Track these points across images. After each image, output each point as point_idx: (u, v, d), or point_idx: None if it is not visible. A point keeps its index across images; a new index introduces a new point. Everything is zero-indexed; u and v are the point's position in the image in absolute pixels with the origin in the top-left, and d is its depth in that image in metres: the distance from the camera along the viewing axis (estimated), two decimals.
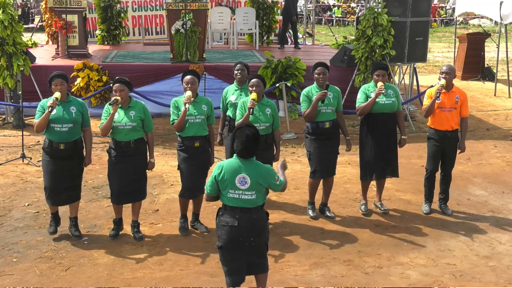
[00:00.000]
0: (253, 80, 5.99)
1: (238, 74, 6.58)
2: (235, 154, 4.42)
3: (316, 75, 6.37)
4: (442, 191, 6.84)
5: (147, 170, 6.05)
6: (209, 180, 4.44)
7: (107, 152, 5.95)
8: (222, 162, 4.44)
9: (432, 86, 6.79)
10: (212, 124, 6.17)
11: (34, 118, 5.81)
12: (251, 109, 5.80)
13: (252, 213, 4.39)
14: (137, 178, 5.93)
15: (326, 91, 6.20)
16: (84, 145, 5.97)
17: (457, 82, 14.74)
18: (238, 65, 6.66)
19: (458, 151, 6.73)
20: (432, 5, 18.62)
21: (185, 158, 6.00)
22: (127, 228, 6.18)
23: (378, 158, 6.56)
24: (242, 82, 6.59)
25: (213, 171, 4.41)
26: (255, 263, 4.52)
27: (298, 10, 18.26)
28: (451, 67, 6.59)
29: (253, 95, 5.87)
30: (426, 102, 6.59)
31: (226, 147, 6.65)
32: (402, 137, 6.68)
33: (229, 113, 6.58)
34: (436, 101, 6.44)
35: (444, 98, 6.48)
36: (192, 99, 5.87)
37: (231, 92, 6.62)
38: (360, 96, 6.54)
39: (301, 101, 6.43)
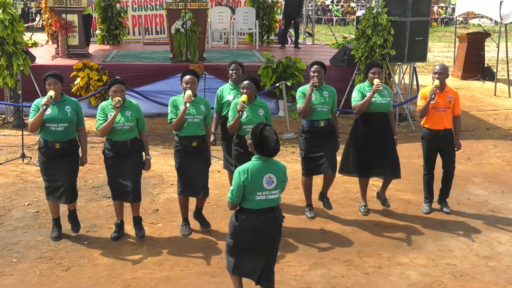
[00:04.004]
0: (245, 82, 5.95)
1: (234, 73, 6.57)
2: (254, 156, 4.41)
3: (311, 73, 6.37)
4: (443, 188, 6.85)
5: (146, 170, 6.06)
6: (234, 188, 4.38)
7: (103, 153, 5.95)
8: (243, 167, 4.40)
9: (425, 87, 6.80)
10: (209, 125, 6.18)
11: (29, 117, 5.81)
12: (241, 112, 5.80)
13: (275, 212, 4.45)
14: (134, 176, 5.91)
15: (316, 80, 6.23)
16: (79, 144, 5.97)
17: (457, 81, 14.83)
18: (232, 64, 6.66)
19: (455, 148, 6.74)
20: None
21: (183, 158, 6.00)
22: (127, 228, 6.18)
23: (379, 158, 6.54)
24: (237, 82, 6.59)
25: (236, 178, 4.37)
26: (266, 273, 4.51)
27: None
28: (444, 67, 6.60)
29: (243, 97, 5.84)
30: (420, 103, 6.61)
31: (224, 147, 6.63)
32: (394, 137, 6.69)
33: (226, 113, 6.57)
34: (431, 101, 6.46)
35: (438, 98, 6.49)
36: (192, 98, 5.87)
37: (226, 91, 6.59)
38: (356, 95, 6.53)
39: (297, 98, 6.45)
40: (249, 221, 4.39)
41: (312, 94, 6.29)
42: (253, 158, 4.42)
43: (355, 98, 6.52)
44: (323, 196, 6.76)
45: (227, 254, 4.60)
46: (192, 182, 6.01)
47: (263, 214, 4.38)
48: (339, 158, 6.66)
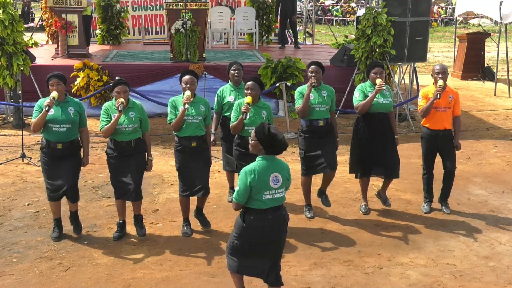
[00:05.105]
0: (249, 83, 5.94)
1: (236, 74, 6.58)
2: (259, 156, 4.40)
3: (309, 73, 6.37)
4: (444, 187, 6.86)
5: (148, 171, 6.06)
6: (240, 189, 4.35)
7: (106, 153, 5.95)
8: (249, 167, 4.38)
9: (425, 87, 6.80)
10: (209, 124, 6.18)
11: (32, 117, 5.81)
12: (245, 113, 5.79)
13: (281, 210, 4.48)
14: (137, 176, 5.91)
15: (314, 80, 6.24)
16: (81, 145, 5.97)
17: (457, 81, 14.83)
18: (234, 65, 6.66)
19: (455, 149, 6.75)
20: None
21: (183, 158, 6.00)
22: (127, 228, 6.16)
23: (380, 158, 6.55)
24: (238, 83, 6.60)
25: (242, 178, 4.35)
26: (274, 272, 4.53)
27: (298, 10, 18.19)
28: (445, 66, 6.64)
29: (248, 99, 5.84)
30: (421, 103, 6.61)
31: (223, 148, 6.63)
32: (395, 136, 6.70)
33: (227, 113, 6.56)
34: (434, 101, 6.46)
35: (439, 98, 6.50)
36: (191, 99, 5.87)
37: (227, 92, 6.60)
38: (358, 95, 6.53)
39: (295, 98, 6.47)
40: (258, 221, 4.38)
41: (311, 94, 6.30)
42: (257, 158, 4.41)
43: (357, 98, 6.52)
44: (322, 193, 6.77)
45: (230, 255, 4.58)
46: (193, 182, 6.01)
47: (271, 213, 4.39)
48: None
